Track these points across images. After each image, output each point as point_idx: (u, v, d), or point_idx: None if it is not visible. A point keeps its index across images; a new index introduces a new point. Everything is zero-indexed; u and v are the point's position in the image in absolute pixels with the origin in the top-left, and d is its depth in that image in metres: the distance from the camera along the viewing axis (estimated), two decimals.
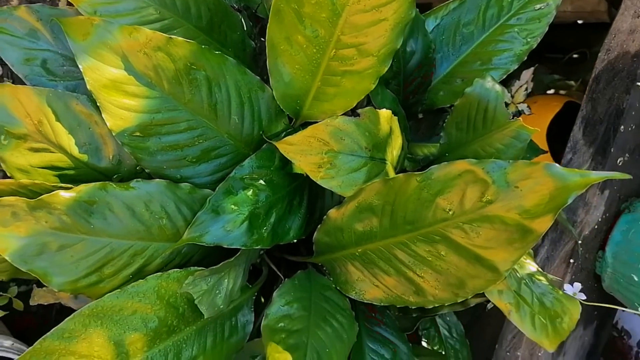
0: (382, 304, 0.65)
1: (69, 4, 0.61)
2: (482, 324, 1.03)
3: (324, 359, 0.62)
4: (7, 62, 0.60)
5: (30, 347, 0.54)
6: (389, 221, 0.59)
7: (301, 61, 0.59)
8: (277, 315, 0.62)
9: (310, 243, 0.71)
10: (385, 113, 0.64)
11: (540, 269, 0.67)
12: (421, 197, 0.55)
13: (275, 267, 0.75)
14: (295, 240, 0.69)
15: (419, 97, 0.80)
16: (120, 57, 0.56)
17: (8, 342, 0.83)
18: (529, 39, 0.77)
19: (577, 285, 0.66)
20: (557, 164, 0.47)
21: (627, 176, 0.47)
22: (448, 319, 0.90)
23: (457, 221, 0.54)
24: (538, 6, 0.77)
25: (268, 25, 0.56)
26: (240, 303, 0.69)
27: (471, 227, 0.53)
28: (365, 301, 0.66)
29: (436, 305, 0.60)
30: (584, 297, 0.65)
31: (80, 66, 0.55)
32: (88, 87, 0.56)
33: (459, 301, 0.57)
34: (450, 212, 0.54)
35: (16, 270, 0.65)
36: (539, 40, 0.77)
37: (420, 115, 0.84)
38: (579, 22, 1.17)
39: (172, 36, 0.56)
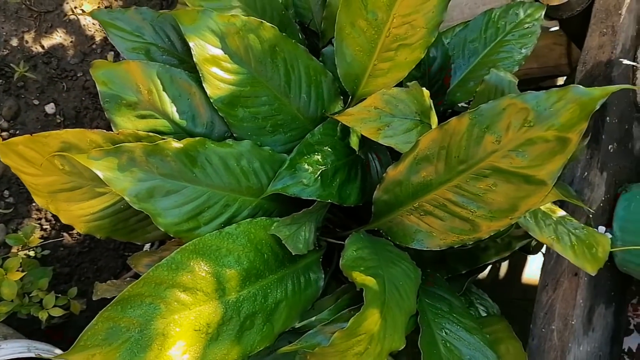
0: (440, 249, 0.74)
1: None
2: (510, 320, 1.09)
3: (400, 289, 0.68)
4: (118, 50, 0.72)
5: (144, 274, 0.59)
6: (444, 165, 0.70)
7: (361, 43, 0.74)
8: (352, 257, 0.70)
9: (363, 217, 0.80)
10: (425, 90, 0.78)
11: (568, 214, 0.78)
12: (473, 133, 0.67)
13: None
14: (353, 205, 0.79)
15: (441, 98, 0.95)
16: (218, 38, 0.70)
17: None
18: (523, 49, 0.96)
19: (603, 228, 0.77)
20: (580, 85, 0.61)
21: (632, 86, 0.61)
22: (486, 302, 0.97)
23: (505, 150, 0.66)
24: (526, 25, 0.97)
25: (338, 13, 0.72)
26: (310, 262, 0.76)
27: (517, 152, 0.65)
28: (426, 249, 0.74)
29: (492, 233, 0.69)
30: (611, 236, 0.76)
31: (190, 44, 0.68)
32: (195, 60, 0.68)
33: (512, 223, 0.67)
34: (498, 143, 0.66)
35: (112, 229, 0.71)
36: (532, 48, 0.95)
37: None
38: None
39: (262, 20, 0.71)
